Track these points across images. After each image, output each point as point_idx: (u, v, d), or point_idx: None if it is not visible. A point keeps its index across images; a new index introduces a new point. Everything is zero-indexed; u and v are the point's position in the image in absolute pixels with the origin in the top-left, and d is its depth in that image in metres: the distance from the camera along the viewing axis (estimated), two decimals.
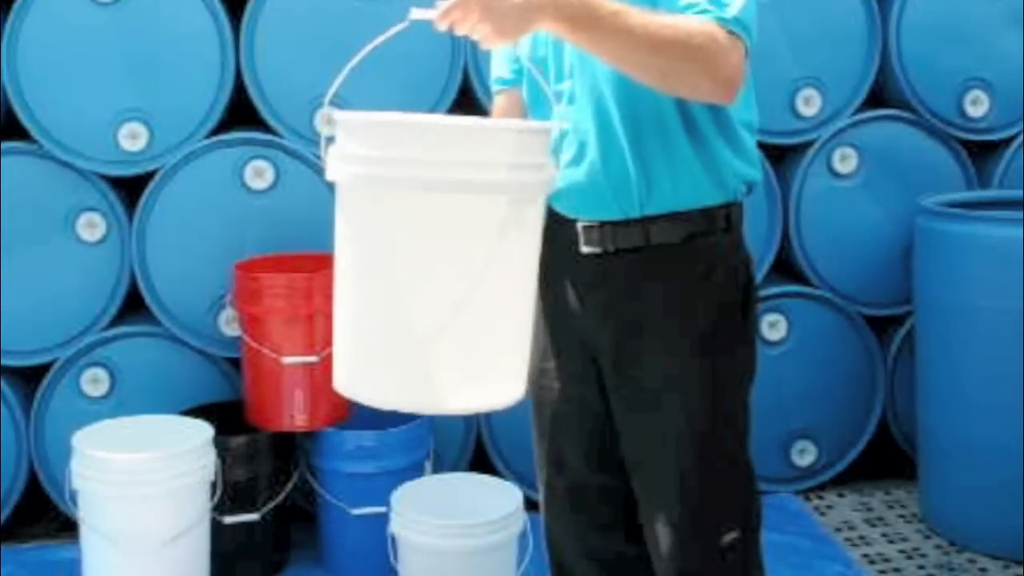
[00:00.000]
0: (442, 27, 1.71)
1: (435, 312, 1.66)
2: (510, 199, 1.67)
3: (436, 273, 1.67)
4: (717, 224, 1.97)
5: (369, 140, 1.68)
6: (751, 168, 2.00)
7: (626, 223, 1.94)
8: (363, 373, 1.76)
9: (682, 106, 1.90)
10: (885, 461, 3.75)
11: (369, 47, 1.79)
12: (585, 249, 1.97)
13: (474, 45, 3.39)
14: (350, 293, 1.77)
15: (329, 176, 1.72)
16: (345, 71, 1.80)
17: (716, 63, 1.75)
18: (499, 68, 2.16)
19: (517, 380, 1.75)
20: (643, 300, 1.95)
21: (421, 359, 1.68)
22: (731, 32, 1.78)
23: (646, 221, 1.94)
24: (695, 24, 1.76)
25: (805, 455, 3.66)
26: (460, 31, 1.71)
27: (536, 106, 2.05)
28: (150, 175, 3.31)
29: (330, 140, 1.74)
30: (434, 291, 1.67)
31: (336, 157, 1.71)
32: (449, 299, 1.66)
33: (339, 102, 3.36)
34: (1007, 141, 3.73)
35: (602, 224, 1.95)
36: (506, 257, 1.69)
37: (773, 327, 3.58)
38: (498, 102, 2.16)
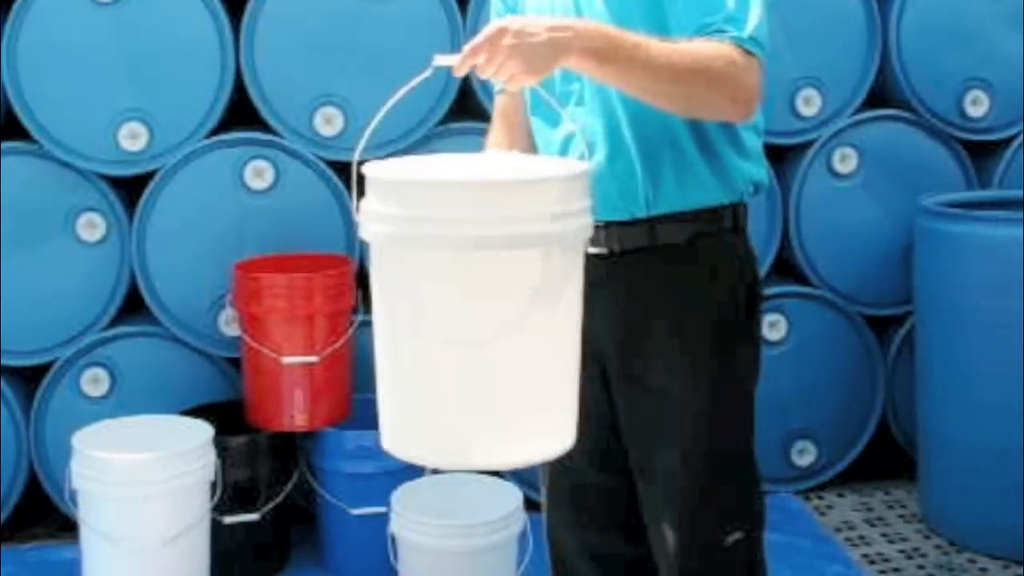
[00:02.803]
0: (463, 71, 1.70)
1: (477, 370, 1.60)
2: (551, 250, 1.61)
3: (475, 331, 1.59)
4: (723, 224, 1.97)
5: (397, 199, 1.61)
6: (758, 169, 2.00)
7: (632, 223, 1.94)
8: (408, 433, 1.69)
9: None
10: (885, 461, 3.75)
11: (398, 95, 1.75)
12: (591, 250, 1.97)
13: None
14: (387, 352, 1.68)
15: (361, 235, 1.66)
16: (367, 133, 1.73)
17: (736, 86, 1.78)
18: None
19: (565, 431, 1.69)
20: (648, 300, 1.95)
21: (465, 418, 1.61)
22: (747, 51, 1.79)
23: (652, 221, 1.94)
24: (713, 49, 1.77)
25: (805, 455, 3.66)
26: (486, 73, 1.69)
27: (536, 106, 2.05)
28: (150, 175, 3.31)
29: (362, 194, 1.68)
30: (475, 349, 1.60)
31: (366, 215, 1.64)
32: (490, 357, 1.60)
33: (340, 102, 3.37)
34: (1007, 141, 3.72)
35: (608, 225, 1.95)
36: (548, 309, 1.62)
37: (773, 327, 3.58)
38: (499, 102, 2.16)
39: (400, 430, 1.69)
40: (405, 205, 1.59)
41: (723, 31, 1.79)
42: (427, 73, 1.73)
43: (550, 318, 1.63)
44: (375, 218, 1.63)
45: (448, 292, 1.59)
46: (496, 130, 2.14)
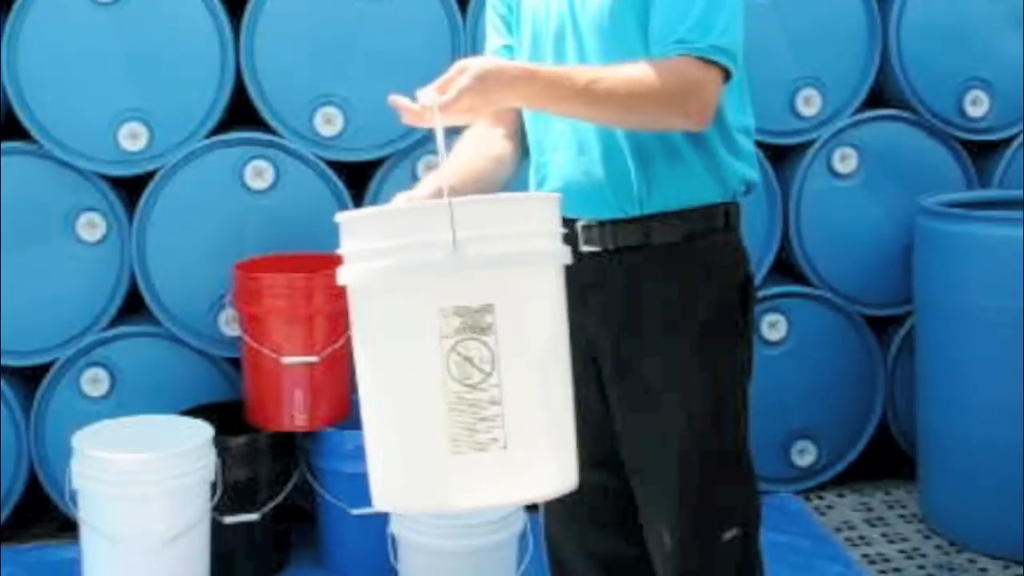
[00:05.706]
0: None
1: (471, 407, 1.56)
2: (523, 271, 1.58)
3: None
4: (716, 223, 1.97)
5: (368, 234, 1.64)
6: (749, 169, 2.01)
7: (626, 221, 1.94)
8: (398, 482, 1.64)
9: None
10: (885, 461, 3.75)
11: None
12: (585, 248, 1.97)
13: (474, 45, 3.40)
14: (373, 400, 1.66)
15: (339, 281, 1.65)
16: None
17: (688, 100, 1.81)
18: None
19: (564, 468, 1.66)
20: (643, 300, 1.95)
21: (450, 460, 1.56)
22: (707, 61, 1.80)
23: (646, 219, 1.94)
24: (665, 67, 1.79)
25: (805, 455, 3.66)
26: (450, 93, 1.79)
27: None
28: (150, 175, 3.31)
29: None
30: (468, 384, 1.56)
31: (350, 255, 1.65)
32: (484, 390, 1.55)
33: (340, 102, 3.37)
34: (1007, 141, 3.73)
35: (602, 223, 1.95)
36: (529, 336, 1.58)
37: (773, 327, 3.58)
38: None
39: (395, 481, 1.64)
40: (375, 238, 1.62)
41: (685, 41, 1.81)
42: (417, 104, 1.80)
43: (534, 343, 1.60)
44: (365, 255, 1.63)
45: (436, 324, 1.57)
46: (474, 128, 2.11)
